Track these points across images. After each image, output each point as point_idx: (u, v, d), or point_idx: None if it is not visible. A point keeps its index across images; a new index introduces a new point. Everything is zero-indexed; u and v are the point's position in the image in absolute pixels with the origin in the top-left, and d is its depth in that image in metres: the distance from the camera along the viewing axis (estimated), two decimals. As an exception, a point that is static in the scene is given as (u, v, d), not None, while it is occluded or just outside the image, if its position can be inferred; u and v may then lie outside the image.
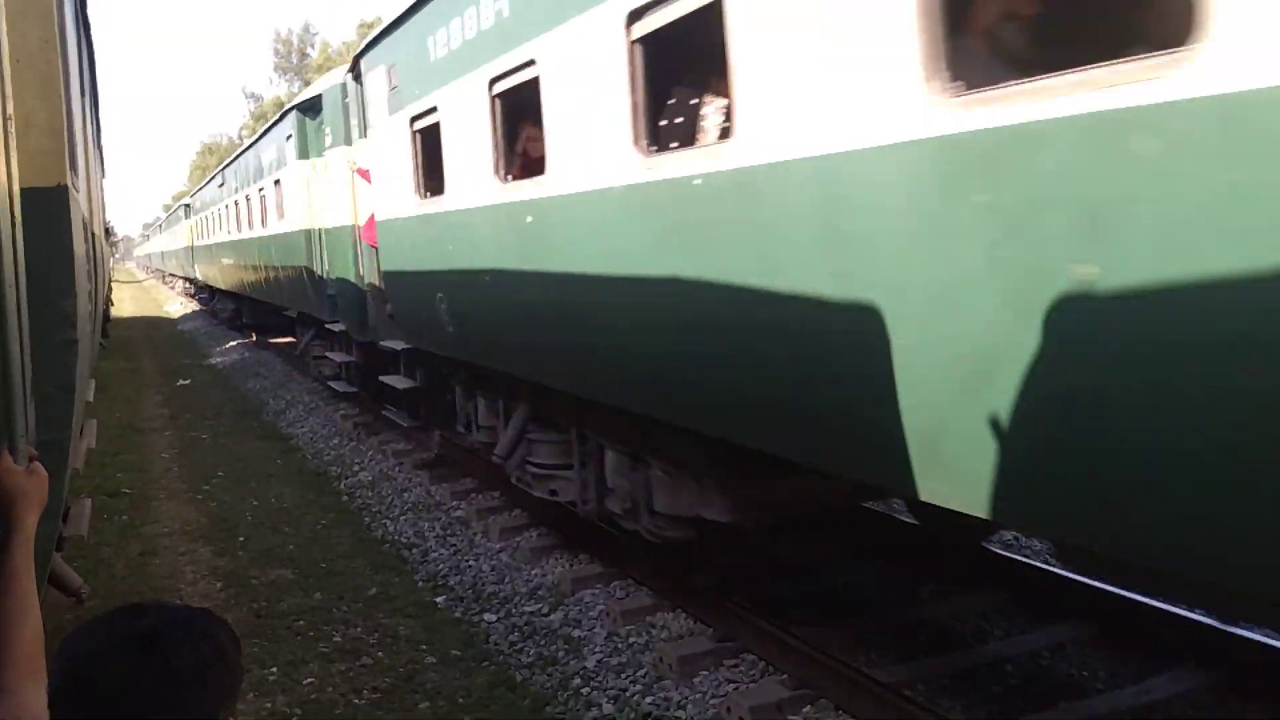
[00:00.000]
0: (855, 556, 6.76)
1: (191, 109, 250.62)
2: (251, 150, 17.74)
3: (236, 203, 19.75)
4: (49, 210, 3.08)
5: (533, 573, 6.98)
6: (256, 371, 18.74)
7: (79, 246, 4.04)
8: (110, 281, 26.16)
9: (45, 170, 3.08)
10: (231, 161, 21.31)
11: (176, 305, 41.69)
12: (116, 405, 14.82)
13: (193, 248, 32.16)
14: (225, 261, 23.37)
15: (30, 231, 2.78)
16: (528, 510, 8.05)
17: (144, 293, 56.34)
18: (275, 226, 15.15)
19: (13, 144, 2.35)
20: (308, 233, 12.74)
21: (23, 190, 2.98)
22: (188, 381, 17.91)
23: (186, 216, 33.95)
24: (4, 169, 2.15)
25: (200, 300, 35.93)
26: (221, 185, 22.74)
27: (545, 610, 6.35)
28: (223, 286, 25.89)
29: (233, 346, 23.48)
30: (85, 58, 7.51)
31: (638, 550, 6.44)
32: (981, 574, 6.16)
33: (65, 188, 3.16)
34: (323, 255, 12.28)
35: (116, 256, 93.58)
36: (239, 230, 19.60)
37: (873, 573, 6.53)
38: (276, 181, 14.77)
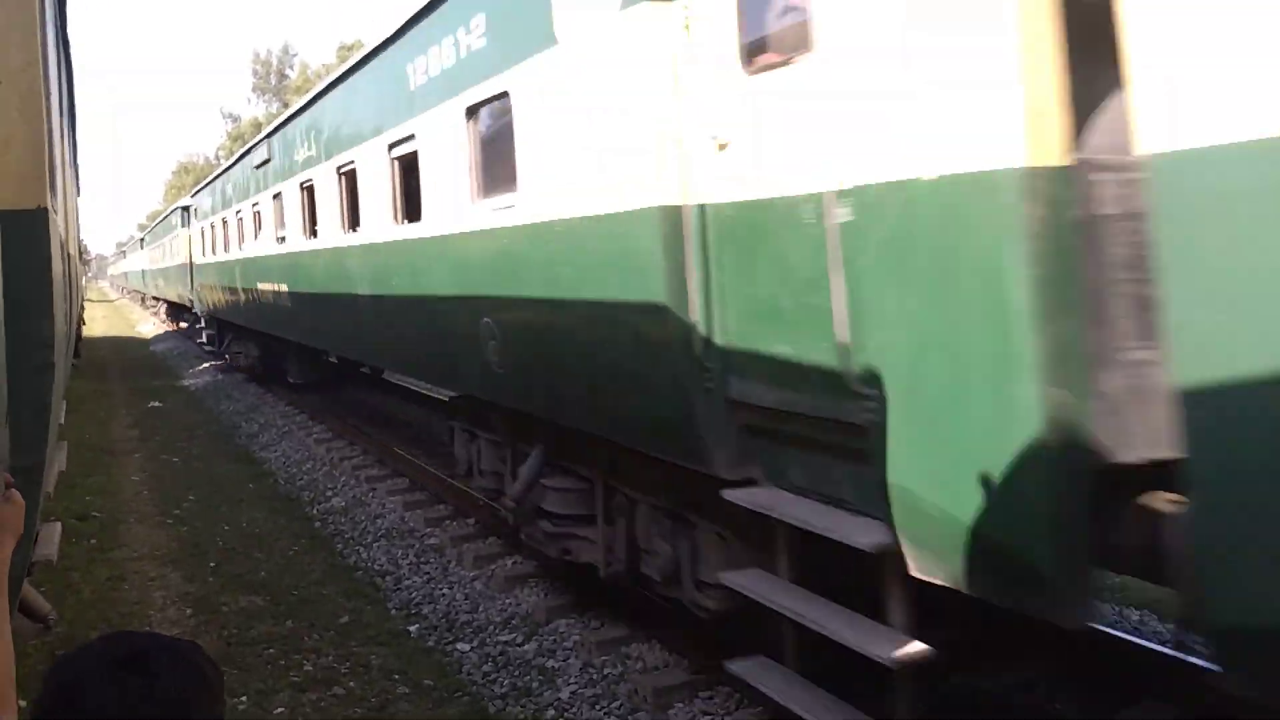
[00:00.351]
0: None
1: (167, 127, 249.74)
2: (380, 58, 8.53)
3: (307, 187, 11.67)
4: (28, 232, 3.06)
5: (507, 601, 6.93)
6: (229, 394, 18.57)
7: (56, 268, 4.01)
8: (83, 300, 25.92)
9: (25, 192, 3.06)
10: (299, 113, 12.15)
11: (149, 325, 41.32)
12: (87, 426, 14.64)
13: (192, 266, 24.79)
14: (265, 288, 14.73)
15: (9, 253, 2.76)
16: (502, 538, 7.99)
17: (116, 312, 55.82)
18: (469, 217, 6.64)
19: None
20: (672, 213, 4.52)
21: (2, 212, 2.95)
22: (159, 403, 17.72)
23: (184, 224, 26.61)
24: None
25: (196, 334, 27.41)
26: (262, 165, 14.37)
27: (519, 640, 6.29)
28: (250, 325, 17.72)
29: (206, 369, 23.26)
30: (64, 76, 7.48)
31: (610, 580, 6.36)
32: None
33: (45, 210, 3.13)
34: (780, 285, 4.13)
35: (89, 275, 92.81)
36: (307, 236, 11.85)
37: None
38: (474, 111, 6.55)
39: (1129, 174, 2.88)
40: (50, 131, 3.54)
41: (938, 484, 3.35)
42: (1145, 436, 2.97)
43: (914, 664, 3.53)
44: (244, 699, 5.51)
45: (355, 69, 9.42)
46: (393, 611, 6.99)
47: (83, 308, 25.99)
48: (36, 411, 3.04)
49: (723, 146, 4.28)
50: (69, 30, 7.84)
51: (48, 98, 3.52)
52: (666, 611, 6.02)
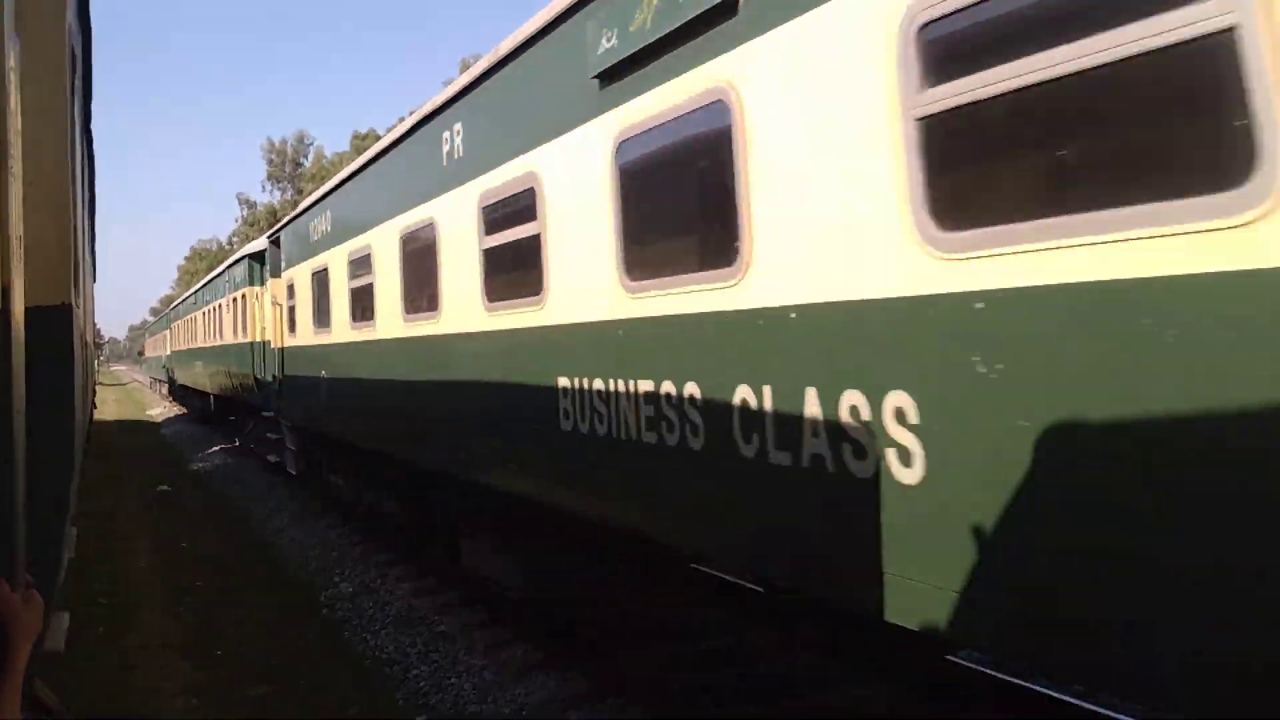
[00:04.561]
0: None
1: (180, 211, 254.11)
2: None
3: None
4: (53, 328, 3.12)
5: (517, 691, 6.83)
6: (240, 478, 18.56)
7: (76, 360, 4.07)
8: (95, 385, 26.08)
9: (51, 289, 3.13)
10: None
11: (159, 409, 41.47)
12: (96, 511, 14.60)
13: None
14: None
15: (34, 349, 2.81)
16: (513, 625, 7.92)
17: (127, 395, 56.09)
18: None
19: (20, 266, 2.41)
20: None
21: (28, 309, 3.02)
22: (168, 487, 17.70)
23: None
24: (13, 289, 2.19)
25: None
26: None
27: (530, 731, 6.20)
28: None
29: (215, 452, 23.28)
30: (86, 170, 7.66)
31: (628, 667, 6.31)
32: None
33: (69, 306, 3.20)
34: None
35: (101, 358, 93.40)
36: None
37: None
38: None
39: None
40: (76, 229, 3.64)
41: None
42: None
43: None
44: (250, 793, 5.43)
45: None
46: (401, 701, 6.90)
47: (94, 392, 26.16)
48: (55, 504, 3.07)
49: None
50: (91, 126, 8.05)
51: (74, 196, 3.62)
52: (686, 702, 5.95)
